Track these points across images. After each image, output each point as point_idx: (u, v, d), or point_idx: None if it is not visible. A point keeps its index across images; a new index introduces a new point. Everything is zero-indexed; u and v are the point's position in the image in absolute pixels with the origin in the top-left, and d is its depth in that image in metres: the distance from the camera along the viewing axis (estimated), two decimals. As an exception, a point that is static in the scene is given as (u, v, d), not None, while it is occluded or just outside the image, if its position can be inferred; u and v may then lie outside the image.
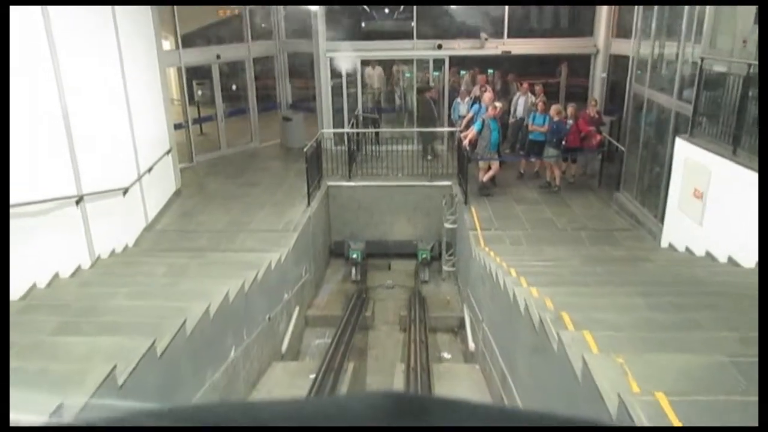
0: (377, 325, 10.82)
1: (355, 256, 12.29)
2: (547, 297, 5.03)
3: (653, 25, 10.06)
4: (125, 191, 9.17)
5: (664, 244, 9.04)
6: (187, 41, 14.18)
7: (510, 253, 8.82)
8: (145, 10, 11.02)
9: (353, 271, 12.42)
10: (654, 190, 10.05)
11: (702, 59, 8.14)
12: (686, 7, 8.90)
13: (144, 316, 5.30)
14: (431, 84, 15.11)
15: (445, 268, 12.42)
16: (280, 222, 10.64)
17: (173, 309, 5.47)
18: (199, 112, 17.10)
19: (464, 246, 10.68)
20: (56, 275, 6.81)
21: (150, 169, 10.52)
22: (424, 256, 12.34)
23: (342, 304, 11.19)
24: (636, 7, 11.86)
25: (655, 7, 9.93)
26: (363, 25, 15.31)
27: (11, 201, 5.90)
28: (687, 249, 8.24)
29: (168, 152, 11.79)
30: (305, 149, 11.24)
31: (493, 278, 6.95)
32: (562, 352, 4.10)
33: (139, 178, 10.02)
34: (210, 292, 6.03)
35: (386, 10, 15.72)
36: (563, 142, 11.90)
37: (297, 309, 9.81)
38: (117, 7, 9.23)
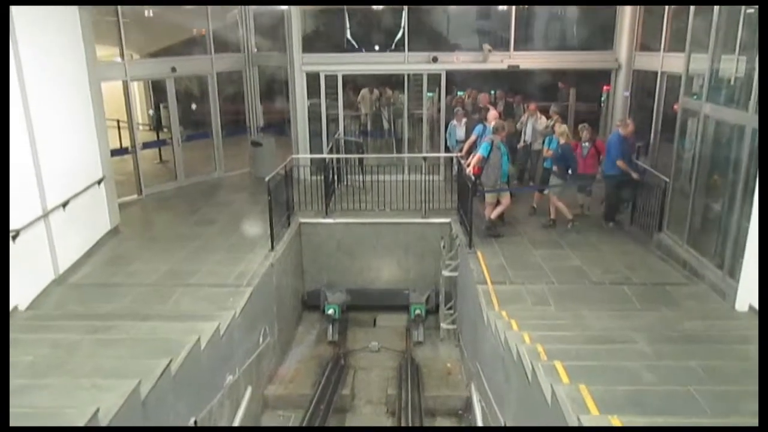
0: (358, 407, 8.36)
1: (331, 311, 9.86)
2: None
3: (713, 32, 7.82)
4: (15, 234, 6.78)
5: (740, 306, 6.73)
6: (137, 50, 11.99)
7: (536, 319, 6.46)
8: (70, 10, 8.79)
9: (330, 329, 9.98)
10: (714, 232, 7.78)
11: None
12: None
13: None
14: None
15: (443, 325, 10.02)
16: (233, 272, 8.23)
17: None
18: (158, 136, 14.92)
19: (470, 303, 8.32)
20: None
21: (65, 204, 8.15)
22: (417, 311, 9.92)
23: (314, 377, 8.76)
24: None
25: (716, 12, 7.72)
26: (347, 33, 13.01)
27: None
28: (782, 317, 5.91)
29: (99, 182, 9.43)
30: (267, 179, 8.88)
31: (526, 374, 4.58)
32: None
33: (45, 215, 7.64)
34: (68, 413, 3.61)
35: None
36: (569, 171, 9.75)
37: (249, 391, 7.35)
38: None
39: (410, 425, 7.68)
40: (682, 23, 9.68)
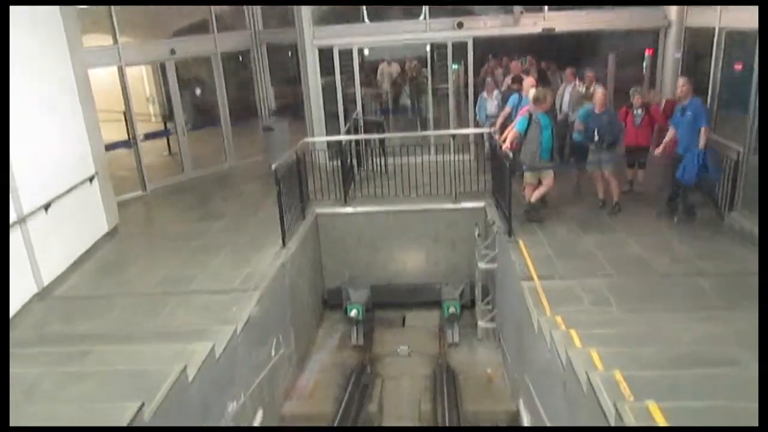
0: (387, 425, 7.29)
1: (354, 312, 8.79)
2: None
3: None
4: (-22, 245, 5.83)
5: None
6: (130, 33, 10.96)
7: (599, 327, 5.26)
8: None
9: (354, 332, 8.93)
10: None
11: None
12: None
13: None
14: None
15: (481, 323, 8.87)
16: (239, 275, 7.19)
17: None
18: (165, 125, 13.94)
19: (512, 300, 7.17)
20: None
21: (47, 206, 7.18)
22: (451, 309, 8.79)
23: (336, 390, 7.71)
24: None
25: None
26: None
27: None
28: None
29: (91, 179, 8.47)
30: (273, 167, 7.80)
31: (606, 418, 3.44)
32: None
33: (20, 220, 6.68)
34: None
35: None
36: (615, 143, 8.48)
37: (260, 414, 6.34)
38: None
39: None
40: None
